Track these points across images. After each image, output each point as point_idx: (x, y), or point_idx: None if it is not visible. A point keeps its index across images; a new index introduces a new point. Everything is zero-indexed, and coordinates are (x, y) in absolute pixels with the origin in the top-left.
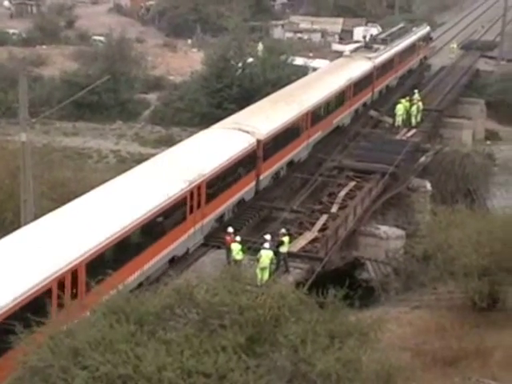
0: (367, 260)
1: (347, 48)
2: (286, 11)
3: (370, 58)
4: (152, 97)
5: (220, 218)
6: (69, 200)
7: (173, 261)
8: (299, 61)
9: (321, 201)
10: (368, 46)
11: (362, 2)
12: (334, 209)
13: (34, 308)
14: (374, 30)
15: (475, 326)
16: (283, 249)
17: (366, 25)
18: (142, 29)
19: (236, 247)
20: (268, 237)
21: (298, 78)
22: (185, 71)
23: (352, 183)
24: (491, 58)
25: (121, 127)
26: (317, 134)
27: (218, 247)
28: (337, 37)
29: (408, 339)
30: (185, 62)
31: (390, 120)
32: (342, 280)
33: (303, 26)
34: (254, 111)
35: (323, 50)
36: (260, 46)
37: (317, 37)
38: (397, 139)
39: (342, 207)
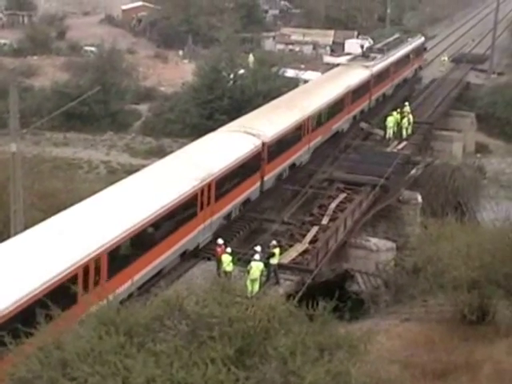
0: (357, 272)
1: (338, 60)
2: (278, 23)
3: (367, 67)
4: (143, 108)
5: (228, 216)
6: (58, 211)
7: (184, 254)
8: (290, 72)
9: (311, 213)
10: (365, 55)
11: (353, 15)
12: (324, 221)
13: (63, 291)
14: (366, 43)
15: (465, 339)
16: (274, 260)
17: (357, 37)
18: (133, 40)
19: (226, 259)
20: (258, 248)
21: (289, 89)
22: (176, 82)
23: (342, 195)
24: (482, 71)
25: (111, 138)
26: (317, 139)
27: (209, 259)
28: (328, 49)
29: (397, 352)
30: (176, 73)
31: (380, 132)
32: (331, 292)
33: (294, 37)
34: (258, 116)
35: (315, 62)
36: (251, 58)
37: (308, 49)
38: (387, 151)
39: (333, 219)
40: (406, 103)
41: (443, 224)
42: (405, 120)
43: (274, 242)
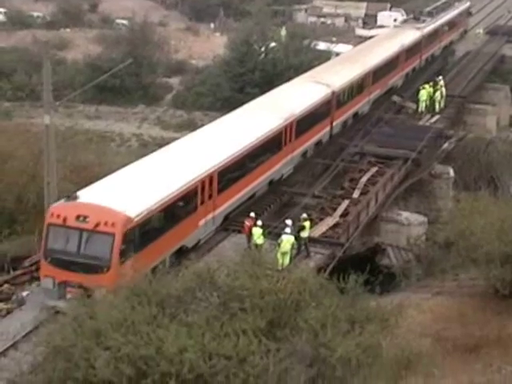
0: (388, 246)
1: (371, 33)
2: None
3: (418, 28)
4: (174, 81)
5: (304, 154)
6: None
7: (271, 183)
8: (322, 45)
9: (342, 186)
10: (416, 17)
11: None
12: (355, 194)
13: (188, 198)
14: (398, 15)
15: (497, 313)
16: (304, 234)
17: (390, 9)
18: (165, 13)
19: (257, 231)
20: (289, 222)
21: (321, 63)
22: (207, 55)
23: (374, 169)
24: None
25: (143, 111)
26: (376, 92)
27: (239, 231)
28: (360, 21)
29: (429, 326)
30: (207, 47)
31: (413, 106)
32: (362, 266)
33: (326, 10)
34: (326, 69)
35: (346, 35)
36: (283, 31)
37: (340, 21)
38: (420, 125)
39: (364, 193)
40: (440, 77)
41: (476, 198)
42: (437, 93)
43: (305, 215)
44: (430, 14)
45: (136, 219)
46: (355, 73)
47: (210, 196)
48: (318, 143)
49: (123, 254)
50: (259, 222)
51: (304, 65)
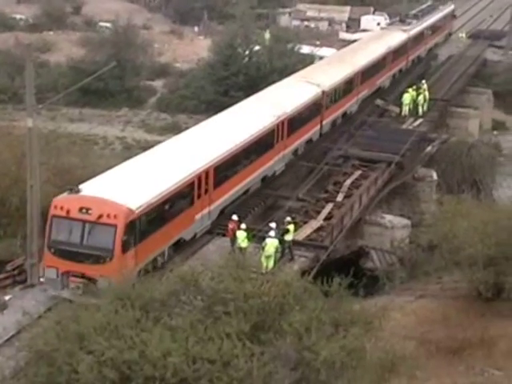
0: (372, 249)
1: (354, 37)
2: None
3: (405, 30)
4: (158, 84)
5: (295, 152)
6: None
7: (264, 179)
8: (306, 49)
9: (326, 189)
10: (402, 20)
11: None
12: (339, 197)
13: (181, 195)
14: (381, 19)
15: (480, 315)
16: (288, 237)
17: (373, 13)
18: (148, 15)
19: (241, 235)
20: (273, 225)
21: (304, 66)
22: (191, 58)
23: (358, 172)
24: (499, 47)
25: (127, 114)
26: (365, 91)
27: (224, 235)
28: (344, 25)
29: (412, 328)
30: (191, 50)
31: (396, 109)
32: (346, 269)
33: (310, 13)
34: (316, 69)
35: (330, 39)
36: (267, 35)
37: (324, 25)
38: (403, 128)
39: (348, 196)
40: (423, 80)
41: (459, 201)
42: (421, 97)
43: (289, 219)
44: (416, 17)
45: (137, 211)
46: (344, 73)
47: (206, 191)
48: (309, 141)
49: (125, 245)
50: (243, 226)
51: (288, 68)
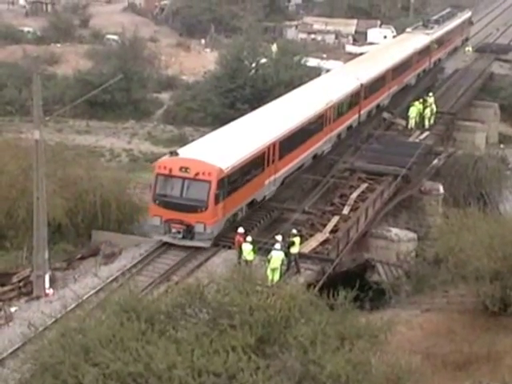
0: (378, 262)
1: (360, 50)
2: (300, 12)
3: (428, 34)
4: (165, 96)
5: (339, 136)
6: (81, 198)
7: (315, 157)
8: (313, 62)
9: (332, 202)
10: (425, 24)
11: (376, 4)
12: (345, 210)
13: (255, 161)
14: (388, 32)
15: (486, 329)
16: (294, 250)
17: (380, 26)
18: (155, 28)
19: (247, 247)
20: (279, 238)
21: (311, 79)
22: (198, 71)
23: (364, 185)
24: (506, 61)
25: (133, 126)
26: (394, 87)
27: (229, 247)
28: (350, 38)
29: (418, 342)
30: (198, 62)
31: (403, 122)
32: (352, 282)
33: (317, 26)
34: (353, 65)
35: (337, 52)
36: (274, 47)
37: (330, 38)
38: (410, 141)
39: (354, 209)
40: (430, 93)
41: (465, 215)
42: (427, 110)
43: (294, 231)
44: (437, 22)
45: (226, 171)
46: (378, 69)
47: (273, 161)
48: (350, 128)
49: (216, 197)
50: (249, 238)
51: (294, 81)
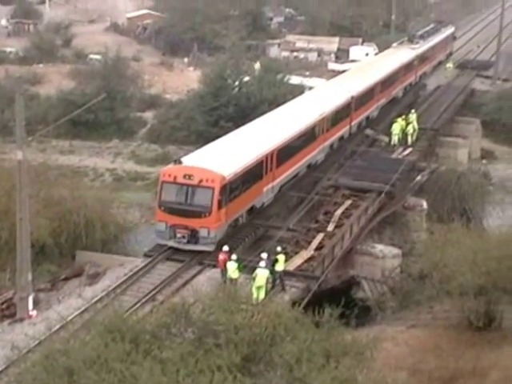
0: (363, 279)
1: (343, 67)
2: (283, 30)
3: (413, 49)
4: (148, 115)
5: (331, 146)
6: (65, 219)
7: (309, 167)
8: (295, 79)
9: (317, 219)
10: (410, 39)
11: (358, 22)
12: (330, 227)
13: (255, 170)
14: (370, 49)
15: (471, 345)
16: (279, 267)
17: (362, 44)
18: (138, 47)
19: (232, 266)
20: (264, 255)
21: (294, 96)
22: (181, 90)
23: (348, 202)
24: (487, 77)
25: (117, 145)
26: (382, 100)
27: (214, 266)
28: (333, 56)
29: (404, 358)
30: (181, 81)
31: (386, 139)
32: (338, 299)
33: (299, 44)
34: (344, 78)
35: (319, 69)
36: (258, 65)
37: (313, 56)
38: (393, 158)
39: (339, 226)
40: (412, 110)
41: (449, 230)
42: (410, 126)
43: (279, 249)
44: (422, 37)
45: (228, 178)
46: (367, 83)
47: (271, 169)
48: (341, 138)
49: (219, 203)
50: (234, 256)
51: (278, 99)
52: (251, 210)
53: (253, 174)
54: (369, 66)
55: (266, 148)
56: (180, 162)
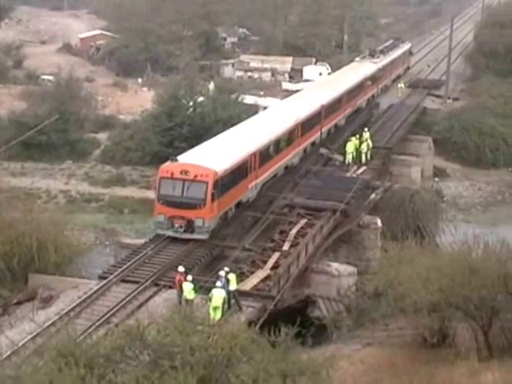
0: (319, 297)
1: (296, 87)
2: (236, 50)
3: (375, 63)
4: (102, 136)
5: (305, 150)
6: (17, 241)
7: (286, 168)
8: (250, 99)
9: (272, 239)
10: (371, 54)
11: (311, 42)
12: (285, 246)
13: (241, 168)
14: (323, 69)
15: (426, 362)
16: (231, 287)
17: (315, 63)
18: (91, 68)
19: (188, 287)
20: (222, 273)
21: (249, 116)
22: (135, 110)
23: (303, 221)
24: (438, 96)
25: (70, 167)
26: (349, 110)
27: (170, 287)
28: (287, 75)
29: (360, 377)
30: (135, 101)
31: (340, 157)
32: (294, 318)
33: (253, 64)
34: (313, 89)
35: (273, 89)
36: (212, 86)
37: (267, 75)
38: (347, 176)
39: (294, 245)
40: (366, 129)
41: (403, 248)
42: (364, 145)
43: (227, 269)
44: (382, 52)
45: (220, 173)
46: (335, 93)
47: (255, 168)
48: (313, 144)
49: (213, 196)
50: (189, 277)
51: (233, 118)
52: (238, 205)
53: (240, 172)
54: (336, 78)
55: (250, 149)
56: (176, 160)
